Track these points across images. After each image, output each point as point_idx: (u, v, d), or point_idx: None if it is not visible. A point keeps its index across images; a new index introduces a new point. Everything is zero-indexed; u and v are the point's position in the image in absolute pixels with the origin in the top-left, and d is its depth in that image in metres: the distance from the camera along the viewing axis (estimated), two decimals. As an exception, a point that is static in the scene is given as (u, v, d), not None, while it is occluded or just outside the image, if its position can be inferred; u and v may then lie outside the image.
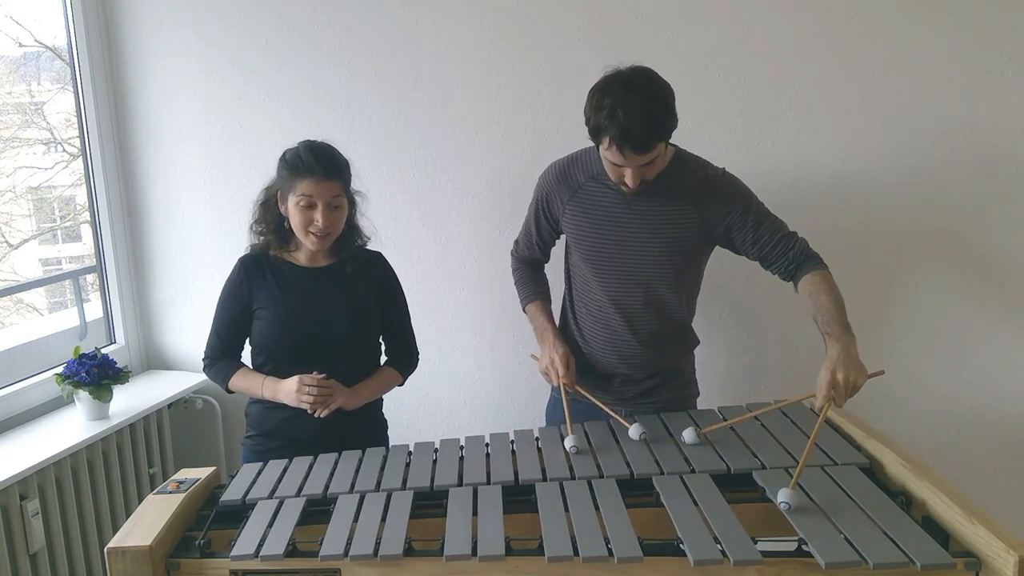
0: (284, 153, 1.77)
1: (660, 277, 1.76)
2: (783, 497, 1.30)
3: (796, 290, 1.72)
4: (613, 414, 1.71)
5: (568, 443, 1.57)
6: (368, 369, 1.90)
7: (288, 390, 1.75)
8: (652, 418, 1.70)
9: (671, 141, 1.77)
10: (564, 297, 1.95)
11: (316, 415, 1.75)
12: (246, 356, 1.91)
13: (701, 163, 1.76)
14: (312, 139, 1.78)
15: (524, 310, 1.97)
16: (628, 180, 1.62)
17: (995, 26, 1.99)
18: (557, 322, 1.94)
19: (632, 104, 1.52)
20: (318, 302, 1.81)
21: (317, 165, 1.71)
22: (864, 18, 2.04)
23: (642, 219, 1.73)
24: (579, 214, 1.79)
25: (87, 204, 2.63)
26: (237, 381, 1.84)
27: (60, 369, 2.28)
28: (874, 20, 2.04)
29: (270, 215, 1.81)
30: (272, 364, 1.82)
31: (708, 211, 1.71)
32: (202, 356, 1.90)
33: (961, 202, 2.10)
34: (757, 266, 2.17)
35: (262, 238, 1.84)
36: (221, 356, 1.88)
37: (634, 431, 1.60)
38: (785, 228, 1.75)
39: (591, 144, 1.67)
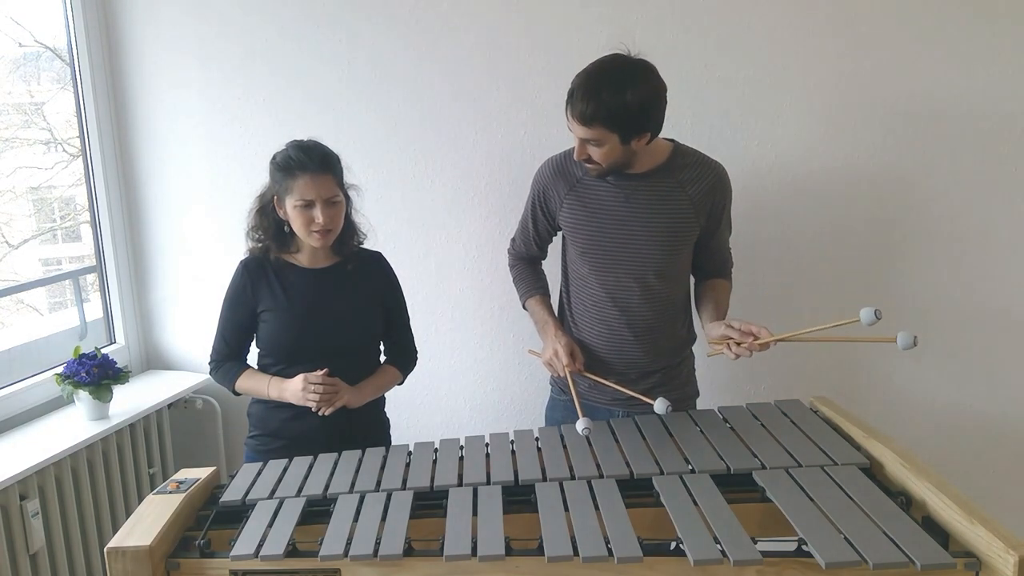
0: (274, 156, 1.76)
1: (655, 268, 1.77)
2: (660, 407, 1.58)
3: (698, 281, 1.91)
4: (628, 390, 1.71)
5: (580, 425, 1.56)
6: (370, 367, 1.91)
7: (294, 389, 1.75)
8: (652, 418, 1.70)
9: (670, 138, 1.78)
10: (560, 295, 1.95)
11: (321, 413, 1.75)
12: (252, 357, 1.91)
13: (700, 155, 1.78)
14: (299, 138, 1.78)
15: (524, 306, 1.97)
16: (576, 152, 1.68)
17: (996, 26, 1.99)
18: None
19: (592, 77, 1.59)
20: (322, 303, 1.81)
21: (310, 162, 1.71)
22: (864, 18, 2.04)
23: (639, 210, 1.74)
24: (577, 207, 1.79)
25: (87, 204, 2.63)
26: (243, 383, 1.85)
27: (60, 369, 2.28)
28: (874, 20, 2.04)
29: (267, 221, 1.81)
30: (280, 365, 1.82)
31: (699, 194, 1.74)
32: (208, 360, 1.90)
33: (963, 201, 2.10)
34: (757, 266, 2.17)
35: (261, 244, 1.84)
36: (228, 360, 1.87)
37: (659, 405, 1.60)
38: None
39: None
